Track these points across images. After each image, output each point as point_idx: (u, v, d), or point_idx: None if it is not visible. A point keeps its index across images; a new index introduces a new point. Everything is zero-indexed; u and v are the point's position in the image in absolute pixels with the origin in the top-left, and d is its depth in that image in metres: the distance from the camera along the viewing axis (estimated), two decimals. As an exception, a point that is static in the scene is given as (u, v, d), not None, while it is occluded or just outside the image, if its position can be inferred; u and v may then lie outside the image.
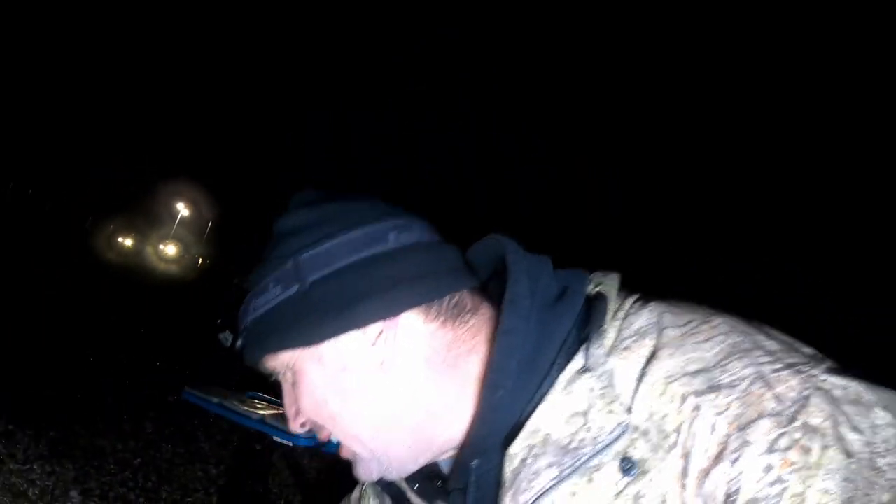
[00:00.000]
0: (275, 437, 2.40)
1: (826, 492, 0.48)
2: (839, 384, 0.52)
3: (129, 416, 4.57)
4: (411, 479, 0.75)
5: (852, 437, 0.50)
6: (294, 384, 0.71)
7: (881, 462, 0.49)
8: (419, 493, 0.75)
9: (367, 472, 0.71)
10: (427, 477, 0.74)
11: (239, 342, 0.73)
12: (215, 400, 2.51)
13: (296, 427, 0.72)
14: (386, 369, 0.67)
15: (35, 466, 3.13)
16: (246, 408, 2.47)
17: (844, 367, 0.55)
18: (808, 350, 0.57)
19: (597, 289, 0.66)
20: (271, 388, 3.53)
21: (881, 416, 0.51)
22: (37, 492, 2.90)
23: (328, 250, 0.66)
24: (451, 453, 0.71)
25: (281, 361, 0.70)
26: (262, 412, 2.48)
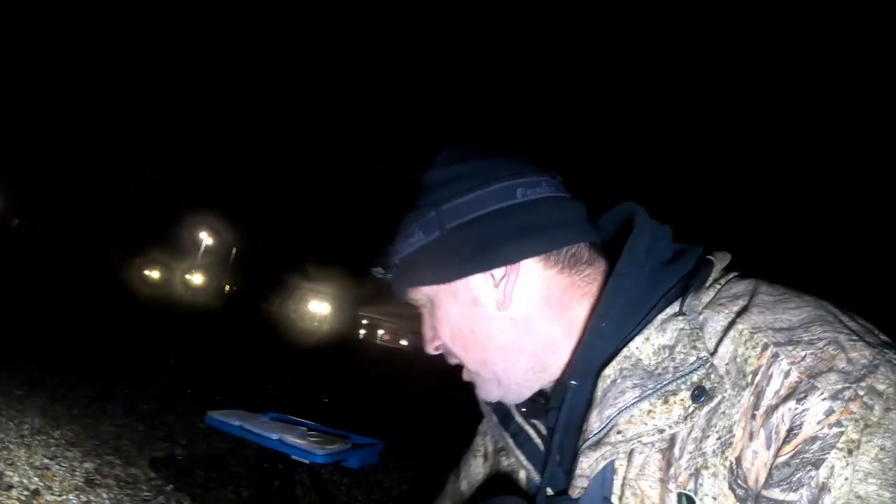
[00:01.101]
0: (292, 456, 2.45)
1: (882, 448, 0.54)
2: None
3: (161, 443, 4.67)
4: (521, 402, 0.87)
5: None
6: (433, 314, 0.84)
7: None
8: (524, 413, 0.86)
9: (487, 392, 0.85)
10: (532, 399, 0.85)
11: (388, 276, 0.85)
12: (237, 423, 2.56)
13: (430, 349, 0.87)
14: (507, 306, 0.78)
15: (71, 497, 3.21)
16: (265, 429, 2.53)
17: None
18: (885, 337, 0.64)
19: (707, 257, 0.75)
20: (293, 410, 3.59)
21: None
22: (74, 521, 2.99)
23: (464, 203, 0.77)
24: (556, 379, 0.81)
25: (422, 294, 0.84)
26: (281, 432, 2.53)
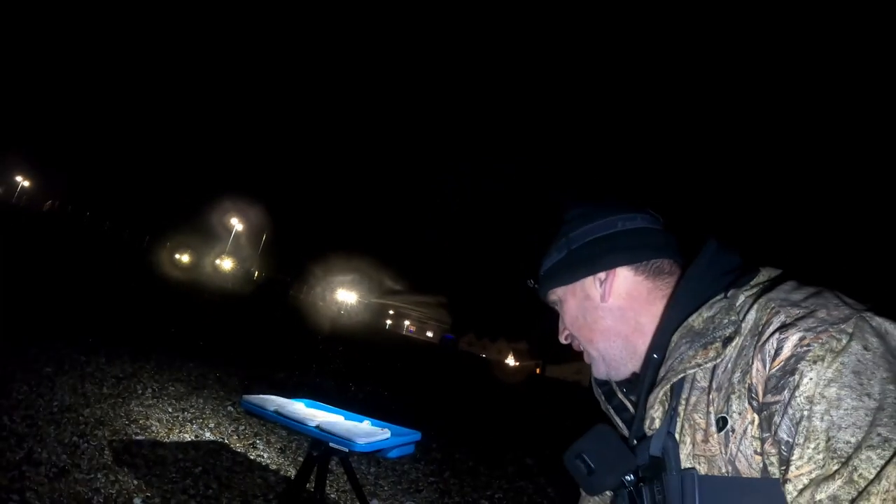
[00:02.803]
0: (331, 444, 2.36)
1: (843, 363, 0.75)
2: (880, 321, 0.81)
3: (189, 425, 4.65)
4: (621, 382, 1.18)
5: (873, 341, 0.78)
6: (561, 310, 1.19)
7: (890, 358, 0.76)
8: (624, 391, 1.19)
9: (597, 369, 1.16)
10: (629, 380, 1.15)
11: (536, 286, 1.24)
12: (272, 408, 2.48)
13: (562, 338, 1.21)
14: (606, 300, 1.12)
15: (99, 475, 3.17)
16: (303, 415, 2.44)
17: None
18: (876, 309, 0.84)
19: (759, 268, 1.01)
20: (320, 397, 3.50)
21: None
22: (101, 500, 2.93)
23: (582, 231, 1.15)
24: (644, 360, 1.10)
25: (556, 295, 1.20)
26: (318, 419, 2.44)
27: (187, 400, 5.35)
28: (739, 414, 0.85)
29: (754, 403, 0.83)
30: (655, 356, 1.03)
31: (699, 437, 0.91)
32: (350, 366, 12.86)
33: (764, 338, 0.83)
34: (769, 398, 0.80)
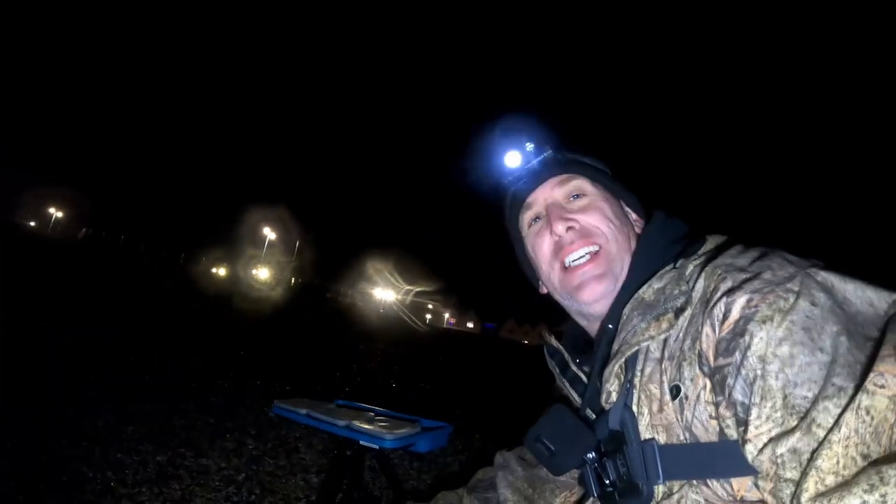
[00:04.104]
0: (361, 442, 2.38)
1: (792, 322, 0.75)
2: (825, 275, 0.80)
3: (231, 434, 4.71)
4: (574, 353, 1.22)
5: (819, 296, 0.78)
6: (578, 200, 1.21)
7: (837, 310, 0.76)
8: (577, 363, 1.20)
9: (594, 271, 1.13)
10: (583, 350, 1.20)
11: (552, 154, 1.28)
12: (303, 411, 2.51)
13: (562, 225, 1.16)
14: (636, 227, 1.25)
15: (143, 489, 3.24)
16: (333, 416, 2.46)
17: (841, 271, 0.82)
18: (818, 261, 0.85)
19: (709, 236, 1.07)
20: (361, 397, 3.53)
21: (847, 295, 0.79)
22: (147, 513, 3.01)
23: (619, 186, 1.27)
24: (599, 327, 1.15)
25: (582, 184, 1.23)
26: (348, 418, 2.46)
27: (229, 410, 5.43)
28: (691, 381, 0.87)
29: (705, 369, 0.85)
30: (610, 326, 1.05)
31: (655, 407, 0.93)
32: (390, 362, 12.93)
33: (712, 303, 0.85)
34: (720, 361, 0.81)
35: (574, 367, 1.18)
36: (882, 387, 0.66)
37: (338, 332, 19.11)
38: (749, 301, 0.80)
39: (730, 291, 0.83)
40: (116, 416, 4.45)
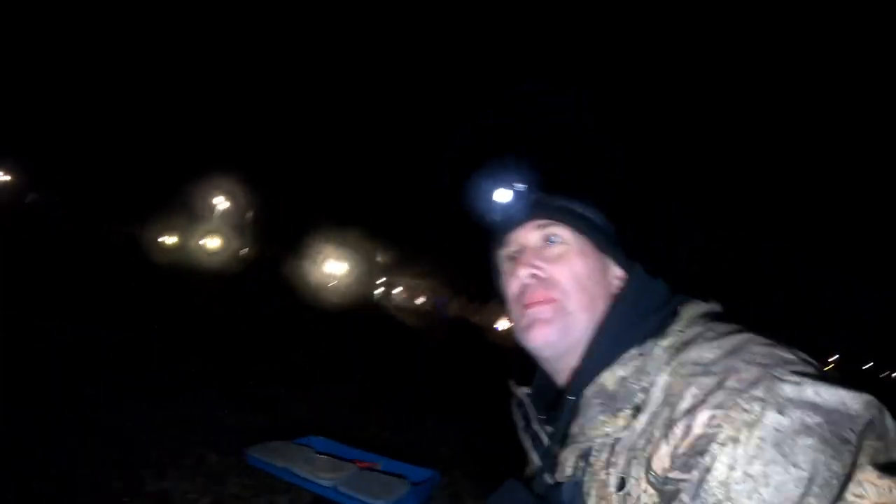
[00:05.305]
0: (348, 505, 2.24)
1: (762, 438, 0.71)
2: (791, 378, 0.75)
3: (191, 453, 4.53)
4: (539, 407, 1.18)
5: (787, 405, 0.72)
6: (560, 253, 1.15)
7: (808, 419, 0.71)
8: (541, 421, 1.17)
9: (544, 329, 1.09)
10: (547, 410, 1.16)
11: (530, 194, 1.22)
12: (281, 464, 2.35)
13: (526, 272, 1.13)
14: (612, 288, 1.15)
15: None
16: (315, 470, 2.32)
17: (810, 371, 0.77)
18: (788, 356, 0.81)
19: (682, 307, 1.02)
20: (330, 431, 3.37)
21: (819, 399, 0.73)
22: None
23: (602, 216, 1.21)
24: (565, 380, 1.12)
25: (561, 232, 1.16)
26: (332, 474, 2.32)
27: (187, 425, 5.20)
28: (636, 480, 0.86)
29: (651, 476, 0.84)
30: (572, 398, 1.04)
31: (602, 493, 0.93)
32: (349, 343, 12.79)
33: (676, 415, 0.83)
34: (676, 474, 0.79)
35: (536, 426, 1.18)
36: (861, 497, 0.66)
37: (292, 307, 18.86)
38: (711, 419, 0.76)
39: (692, 409, 0.80)
40: (67, 435, 4.21)
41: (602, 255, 1.17)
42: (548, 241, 1.17)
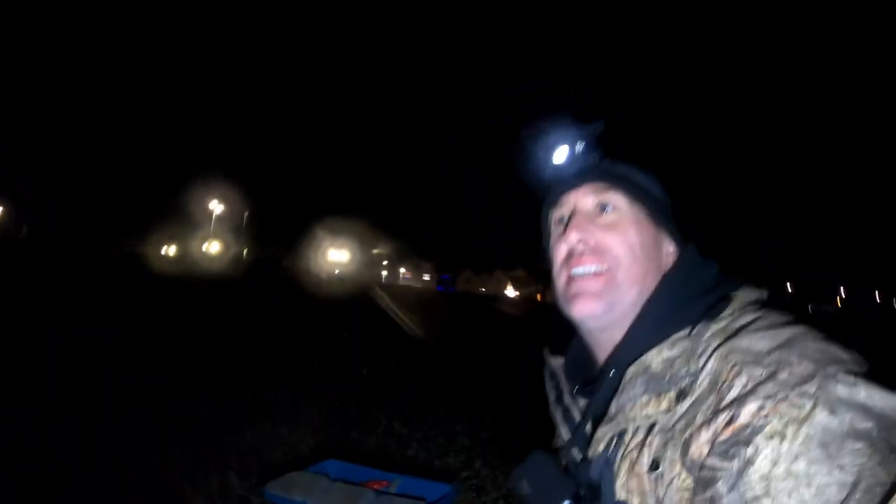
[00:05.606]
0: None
1: (808, 436, 0.69)
2: (845, 377, 0.72)
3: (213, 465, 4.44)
4: (573, 381, 1.17)
5: (839, 406, 0.70)
6: (615, 220, 1.13)
7: (859, 422, 0.69)
8: (573, 394, 1.16)
9: (590, 299, 1.07)
10: (580, 384, 1.14)
11: (598, 154, 1.18)
12: (299, 498, 2.31)
13: (575, 236, 1.11)
14: (666, 261, 1.13)
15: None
16: (333, 499, 2.27)
17: (865, 371, 0.74)
18: (843, 355, 0.77)
19: (731, 293, 0.99)
20: (345, 454, 3.31)
21: (872, 401, 0.70)
22: None
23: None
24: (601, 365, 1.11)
25: (619, 197, 1.13)
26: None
27: (206, 430, 5.16)
28: (670, 462, 0.85)
29: (687, 461, 0.82)
30: (613, 373, 1.01)
31: (633, 471, 0.92)
32: (356, 339, 12.71)
33: (720, 404, 0.81)
34: (714, 461, 0.77)
35: (568, 398, 1.16)
36: None
37: (298, 304, 18.81)
38: (760, 409, 0.74)
39: (739, 399, 0.78)
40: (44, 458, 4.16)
41: (657, 228, 1.14)
42: (602, 207, 1.14)
